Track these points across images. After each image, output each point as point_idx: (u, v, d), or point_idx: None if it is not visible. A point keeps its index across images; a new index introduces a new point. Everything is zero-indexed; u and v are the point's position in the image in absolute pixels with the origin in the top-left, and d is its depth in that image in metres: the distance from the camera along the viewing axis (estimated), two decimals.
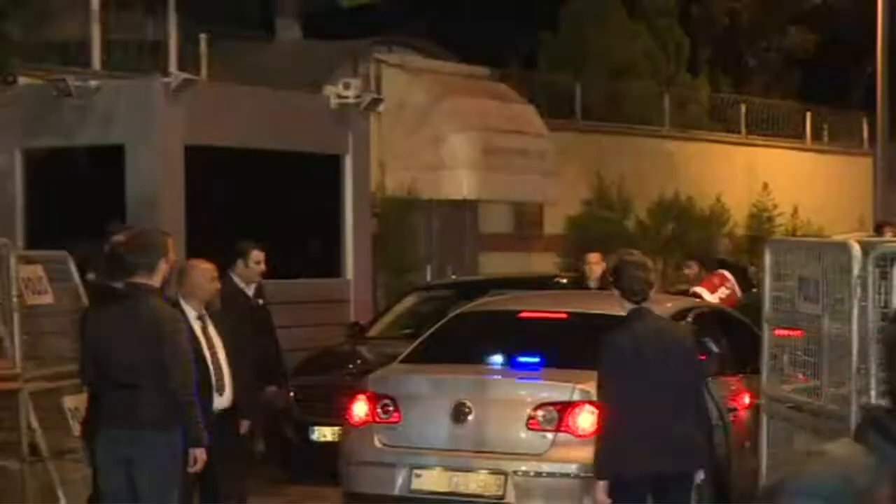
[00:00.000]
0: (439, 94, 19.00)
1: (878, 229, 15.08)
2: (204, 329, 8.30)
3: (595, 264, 12.89)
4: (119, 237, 10.75)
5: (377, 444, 8.76)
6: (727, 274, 13.03)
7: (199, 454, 7.43)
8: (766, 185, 24.69)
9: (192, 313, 8.22)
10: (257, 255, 9.97)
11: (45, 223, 13.59)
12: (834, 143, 28.15)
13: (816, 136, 27.80)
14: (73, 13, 17.51)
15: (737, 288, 12.83)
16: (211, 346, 8.29)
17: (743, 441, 9.06)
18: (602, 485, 7.02)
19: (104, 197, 13.27)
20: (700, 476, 7.22)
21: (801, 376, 7.57)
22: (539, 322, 9.34)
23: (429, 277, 17.71)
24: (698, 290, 12.68)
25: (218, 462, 7.83)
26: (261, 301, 10.06)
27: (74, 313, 9.61)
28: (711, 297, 12.29)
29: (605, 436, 7.08)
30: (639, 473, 6.98)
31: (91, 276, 10.16)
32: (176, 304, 8.05)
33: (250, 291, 9.99)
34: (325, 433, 11.41)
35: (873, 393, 6.75)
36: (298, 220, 14.43)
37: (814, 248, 7.68)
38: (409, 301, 14.00)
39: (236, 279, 9.93)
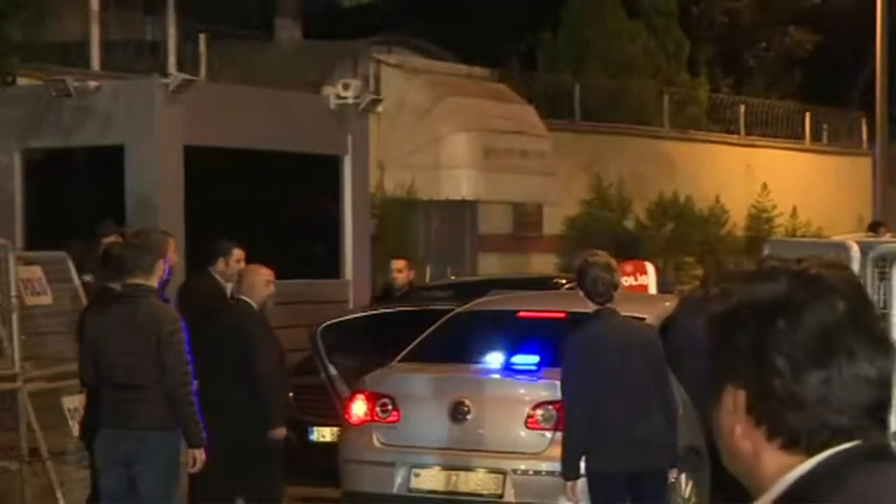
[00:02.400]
0: (438, 94, 19.01)
1: (873, 229, 15.07)
2: None
3: (399, 272, 11.82)
4: (110, 238, 10.76)
5: (376, 443, 8.77)
6: (648, 266, 12.52)
7: (199, 454, 7.43)
8: (765, 186, 24.70)
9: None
10: (238, 253, 9.93)
11: (44, 224, 13.58)
12: (833, 143, 28.16)
13: (816, 136, 27.80)
14: (72, 13, 17.52)
15: (652, 284, 12.22)
16: None
17: None
18: (570, 485, 7.07)
19: (103, 197, 13.27)
20: (673, 474, 7.26)
21: None
22: (538, 322, 9.34)
23: (428, 278, 17.70)
24: None
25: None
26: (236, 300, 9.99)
27: (73, 314, 9.60)
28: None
29: (568, 435, 7.13)
30: (608, 472, 7.02)
31: (87, 277, 10.15)
32: (240, 301, 8.67)
33: (229, 291, 9.95)
34: (324, 433, 11.40)
35: None
36: (297, 220, 14.44)
37: (813, 248, 7.68)
38: None
39: (218, 278, 9.87)
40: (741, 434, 1.91)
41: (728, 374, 1.91)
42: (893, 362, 1.90)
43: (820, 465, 1.84)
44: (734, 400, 1.90)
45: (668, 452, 7.22)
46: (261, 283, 8.74)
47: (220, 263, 9.88)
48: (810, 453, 1.85)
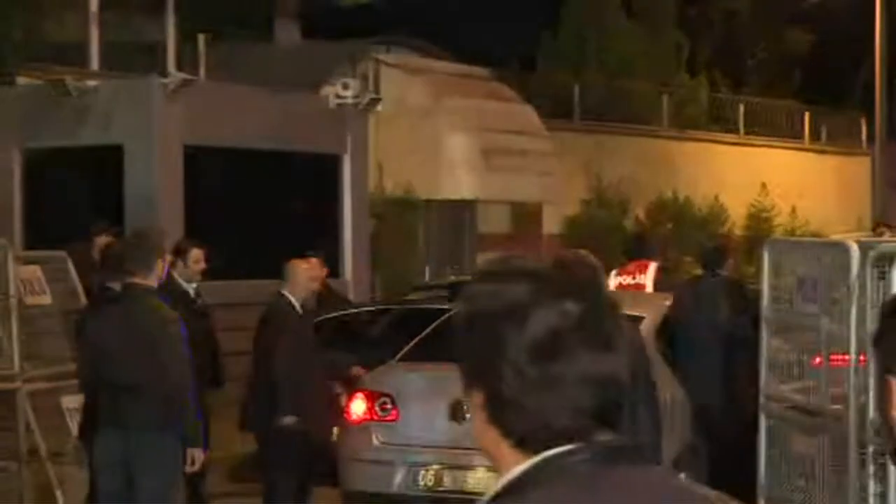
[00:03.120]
0: (438, 94, 19.01)
1: (875, 229, 15.11)
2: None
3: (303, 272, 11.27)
4: (102, 238, 10.72)
5: (376, 441, 8.77)
6: (651, 264, 12.31)
7: (197, 454, 7.43)
8: (764, 186, 24.70)
9: (298, 307, 9.08)
10: (196, 253, 9.87)
11: (43, 223, 13.59)
12: (832, 143, 28.17)
13: (815, 136, 27.81)
14: (71, 14, 17.52)
15: (650, 282, 11.98)
16: None
17: None
18: None
19: (103, 197, 13.29)
20: None
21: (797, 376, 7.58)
22: None
23: (427, 278, 17.71)
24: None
25: None
26: (200, 301, 9.90)
27: (73, 314, 9.60)
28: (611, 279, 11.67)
29: None
30: None
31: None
32: (283, 297, 8.97)
33: (192, 292, 9.88)
34: None
35: (871, 393, 6.76)
36: (297, 220, 14.44)
37: (812, 248, 7.69)
38: None
39: (179, 280, 9.77)
40: (482, 431, 1.95)
41: (467, 375, 1.95)
42: (620, 363, 1.91)
43: (534, 465, 1.89)
44: (475, 399, 1.94)
45: (654, 452, 7.23)
46: (304, 279, 9.13)
47: (178, 265, 9.81)
48: (536, 453, 1.89)
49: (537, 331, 1.88)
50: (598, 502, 1.86)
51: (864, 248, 6.97)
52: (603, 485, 1.87)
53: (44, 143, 13.73)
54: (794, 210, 25.11)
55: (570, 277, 1.91)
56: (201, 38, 17.90)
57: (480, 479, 8.46)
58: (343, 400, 9.39)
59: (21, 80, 15.05)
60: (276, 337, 8.81)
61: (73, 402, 9.42)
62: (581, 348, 1.89)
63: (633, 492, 1.89)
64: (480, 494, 8.07)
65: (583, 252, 7.58)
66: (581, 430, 1.89)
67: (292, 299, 9.04)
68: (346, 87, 15.08)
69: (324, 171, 14.92)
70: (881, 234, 13.54)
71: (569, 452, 1.88)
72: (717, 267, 9.48)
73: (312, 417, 8.89)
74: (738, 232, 23.95)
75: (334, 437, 9.79)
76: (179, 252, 9.77)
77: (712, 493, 1.86)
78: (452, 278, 16.82)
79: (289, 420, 8.74)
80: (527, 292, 1.89)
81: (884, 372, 2.31)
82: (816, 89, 27.99)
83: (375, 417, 8.82)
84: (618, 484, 1.88)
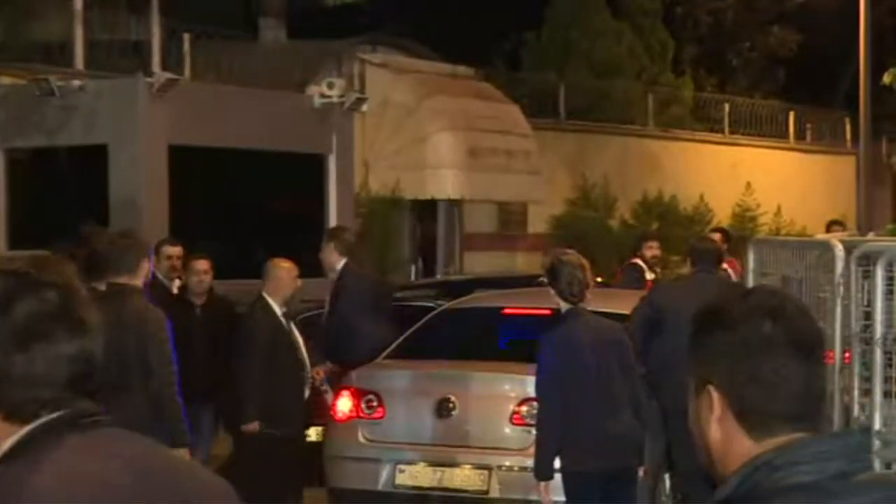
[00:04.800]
0: (423, 93, 19.01)
1: (829, 228, 15.22)
2: (288, 324, 8.99)
3: (205, 274, 9.76)
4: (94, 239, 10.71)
5: (361, 439, 8.77)
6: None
7: (183, 454, 7.41)
8: (749, 185, 24.75)
9: (277, 309, 8.90)
10: (168, 250, 9.91)
11: (27, 224, 13.56)
12: (817, 142, 28.23)
13: (800, 135, 27.88)
14: (56, 13, 17.47)
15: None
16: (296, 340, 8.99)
17: None
18: (544, 485, 7.07)
19: (87, 197, 13.25)
20: (641, 472, 7.30)
21: None
22: (523, 318, 9.35)
23: (413, 277, 17.72)
24: None
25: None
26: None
27: None
28: None
29: (541, 435, 7.14)
30: (583, 471, 7.04)
31: None
32: (260, 299, 8.82)
33: (174, 289, 9.87)
34: (309, 433, 11.38)
35: (856, 392, 6.77)
36: (282, 219, 14.43)
37: (797, 247, 7.71)
38: None
39: (161, 277, 9.75)
40: None
41: None
42: (93, 342, 2.26)
43: (20, 437, 2.18)
44: None
45: (638, 449, 7.26)
46: (287, 279, 8.96)
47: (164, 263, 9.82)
48: (26, 422, 2.20)
49: (19, 316, 2.21)
50: (66, 462, 2.15)
51: (849, 247, 6.99)
52: (74, 445, 2.17)
53: (28, 142, 13.70)
54: (778, 209, 25.17)
55: (47, 273, 2.25)
56: (186, 37, 17.87)
57: (466, 477, 8.47)
58: (329, 398, 9.37)
59: (4, 80, 15.01)
60: (247, 341, 8.75)
61: None
62: (59, 329, 2.22)
63: (95, 452, 2.19)
64: (466, 492, 8.05)
65: (571, 251, 7.59)
66: (61, 400, 2.20)
67: (270, 301, 8.89)
68: (331, 86, 15.06)
69: (309, 170, 14.91)
70: (860, 233, 13.58)
71: (49, 422, 2.19)
72: (712, 267, 9.49)
73: (285, 423, 8.81)
74: None
75: (313, 439, 9.79)
76: (153, 250, 9.77)
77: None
78: (439, 277, 16.84)
79: (252, 426, 8.71)
80: (11, 285, 2.22)
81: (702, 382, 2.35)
82: (801, 89, 28.05)
83: (361, 415, 8.82)
84: (82, 446, 2.18)
